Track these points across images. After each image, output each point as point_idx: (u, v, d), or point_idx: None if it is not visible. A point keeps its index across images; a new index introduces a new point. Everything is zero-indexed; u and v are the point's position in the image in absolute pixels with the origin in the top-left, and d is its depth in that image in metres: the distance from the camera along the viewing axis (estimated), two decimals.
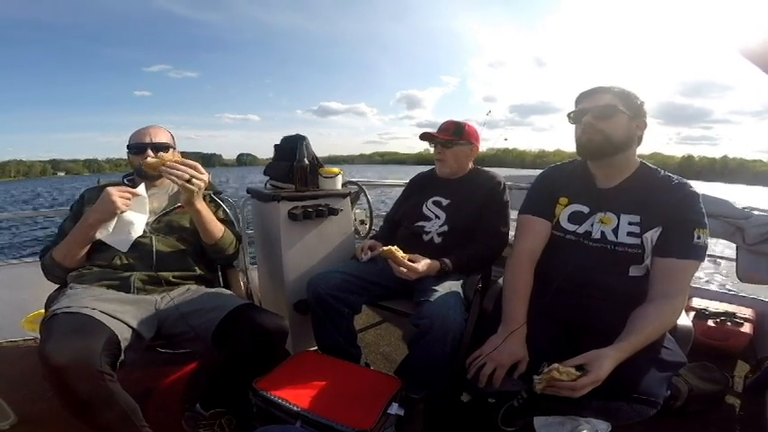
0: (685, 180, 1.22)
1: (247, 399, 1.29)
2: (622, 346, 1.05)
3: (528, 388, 1.44)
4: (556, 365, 1.02)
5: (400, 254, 1.47)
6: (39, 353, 1.03)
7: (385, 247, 1.49)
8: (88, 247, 1.40)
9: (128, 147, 1.55)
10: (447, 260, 1.56)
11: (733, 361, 2.08)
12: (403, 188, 2.06)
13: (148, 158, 1.43)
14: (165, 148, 1.54)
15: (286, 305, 1.85)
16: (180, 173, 1.33)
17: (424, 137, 1.81)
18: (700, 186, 1.23)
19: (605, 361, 1.02)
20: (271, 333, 1.31)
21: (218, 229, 1.50)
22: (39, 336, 1.22)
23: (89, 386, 1.04)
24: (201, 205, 1.43)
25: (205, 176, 1.39)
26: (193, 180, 1.34)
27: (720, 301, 2.41)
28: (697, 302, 2.36)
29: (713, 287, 2.77)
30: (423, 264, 1.50)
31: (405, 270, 1.46)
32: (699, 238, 1.15)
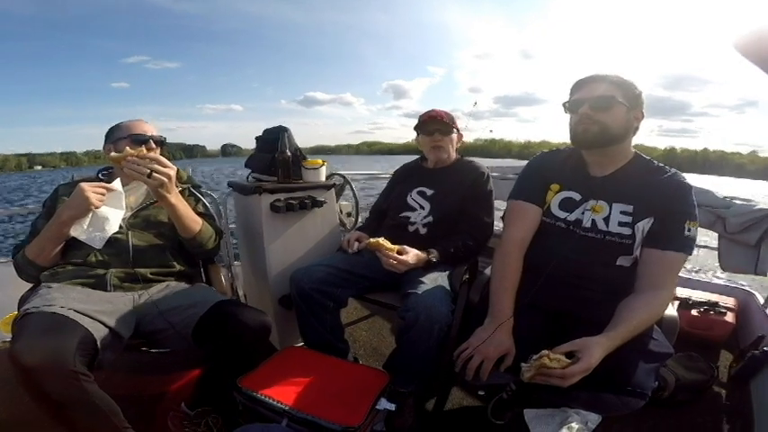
0: (678, 171, 1.22)
1: (233, 397, 1.26)
2: (611, 335, 1.05)
3: (516, 380, 1.43)
4: (546, 352, 1.00)
5: (388, 245, 1.45)
6: (8, 353, 0.99)
7: (372, 239, 1.46)
8: (62, 244, 1.36)
9: (128, 136, 1.47)
10: (433, 251, 1.55)
11: (717, 350, 2.10)
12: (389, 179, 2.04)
13: (112, 153, 1.37)
14: (163, 143, 1.51)
15: (271, 300, 1.82)
16: (140, 167, 1.29)
17: (423, 125, 1.77)
18: (689, 178, 1.22)
19: (595, 348, 1.01)
20: (252, 329, 1.28)
21: (195, 223, 1.45)
22: None
23: (63, 387, 1.00)
24: (176, 199, 1.38)
25: (171, 170, 1.35)
26: (154, 175, 1.30)
27: (703, 291, 2.43)
28: (680, 292, 2.39)
29: (696, 276, 2.81)
30: (412, 255, 1.48)
31: (394, 262, 1.44)
32: (689, 230, 1.15)
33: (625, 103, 1.18)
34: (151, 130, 1.51)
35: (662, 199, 1.17)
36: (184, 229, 1.43)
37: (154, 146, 1.46)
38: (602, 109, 1.18)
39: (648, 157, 1.26)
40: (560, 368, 0.98)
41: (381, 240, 1.46)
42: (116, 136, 1.49)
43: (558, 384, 0.99)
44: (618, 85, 1.19)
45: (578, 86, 1.24)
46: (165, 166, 1.33)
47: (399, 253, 1.47)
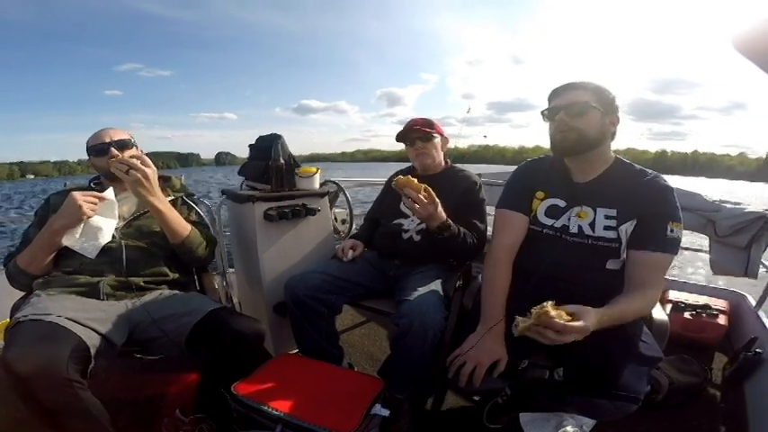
0: (659, 174, 1.23)
1: (227, 404, 1.25)
2: (602, 311, 1.03)
3: (511, 385, 1.44)
4: (550, 302, 0.96)
5: (416, 183, 1.38)
6: (1, 362, 0.99)
7: (401, 177, 1.41)
8: (54, 253, 1.36)
9: (88, 150, 1.48)
10: (449, 220, 1.49)
11: (710, 353, 2.12)
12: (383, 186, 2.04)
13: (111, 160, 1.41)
14: (127, 145, 1.49)
15: (265, 308, 1.82)
16: (121, 165, 1.34)
17: (404, 136, 1.79)
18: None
19: (591, 314, 0.99)
20: (246, 337, 1.28)
21: (183, 228, 1.46)
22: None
23: (56, 394, 1.00)
24: (160, 203, 1.40)
25: (149, 169, 1.38)
26: (131, 171, 1.34)
27: (696, 293, 2.45)
28: (673, 295, 2.40)
29: (688, 279, 2.83)
30: (437, 202, 1.42)
31: (424, 201, 1.37)
32: (672, 231, 1.16)
33: (599, 108, 1.20)
34: (113, 135, 1.48)
35: (643, 201, 1.18)
36: (172, 234, 1.44)
37: (116, 153, 1.44)
38: (578, 115, 1.19)
39: (629, 161, 1.28)
40: (561, 321, 0.94)
41: (410, 177, 1.39)
42: (87, 152, 1.51)
43: (551, 339, 0.95)
44: (592, 90, 1.20)
45: (554, 95, 1.26)
46: (146, 165, 1.37)
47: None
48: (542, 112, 1.28)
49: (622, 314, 1.08)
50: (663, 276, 1.19)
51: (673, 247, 1.16)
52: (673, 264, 1.24)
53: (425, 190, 1.39)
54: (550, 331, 0.95)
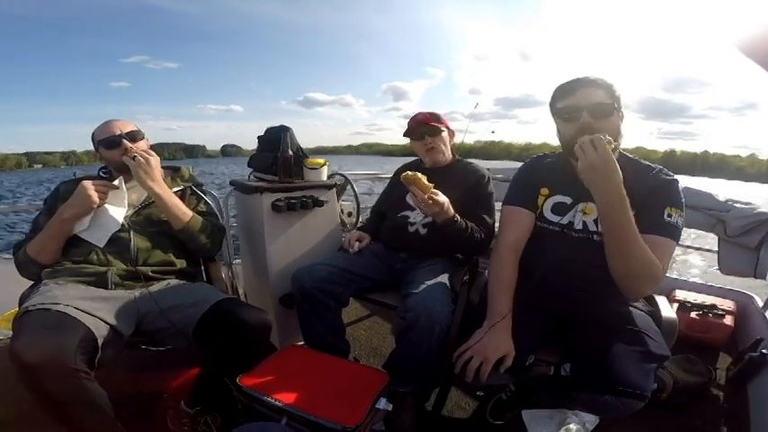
0: (664, 168, 1.22)
1: (232, 395, 1.26)
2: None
3: (515, 381, 1.44)
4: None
5: (424, 181, 1.39)
6: (9, 351, 0.99)
7: (409, 173, 1.40)
8: (64, 241, 1.36)
9: (98, 143, 1.49)
10: (457, 215, 1.50)
11: (715, 353, 2.11)
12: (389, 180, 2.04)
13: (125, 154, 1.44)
14: (138, 136, 1.50)
15: (271, 299, 1.82)
16: (129, 153, 1.42)
17: (413, 131, 1.77)
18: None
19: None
20: (253, 328, 1.28)
21: (183, 214, 1.46)
22: None
23: (63, 385, 1.00)
24: (162, 190, 1.42)
25: (152, 157, 1.43)
26: (137, 158, 1.40)
27: (702, 293, 2.44)
28: (680, 294, 2.39)
29: (695, 279, 2.81)
30: (445, 198, 1.44)
31: (429, 202, 1.39)
32: (670, 216, 1.13)
33: (617, 108, 1.18)
34: (122, 127, 1.49)
35: (644, 193, 1.16)
36: (173, 220, 1.45)
37: (130, 145, 1.45)
38: (602, 117, 1.16)
39: (634, 157, 1.27)
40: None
41: (420, 174, 1.39)
42: (94, 144, 1.52)
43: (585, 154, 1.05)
44: (608, 89, 1.17)
45: (568, 92, 1.20)
46: (149, 154, 1.43)
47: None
48: (559, 111, 1.23)
49: (634, 236, 1.05)
50: (665, 258, 1.13)
51: (670, 231, 1.13)
52: (677, 254, 1.22)
53: (432, 194, 1.40)
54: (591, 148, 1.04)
